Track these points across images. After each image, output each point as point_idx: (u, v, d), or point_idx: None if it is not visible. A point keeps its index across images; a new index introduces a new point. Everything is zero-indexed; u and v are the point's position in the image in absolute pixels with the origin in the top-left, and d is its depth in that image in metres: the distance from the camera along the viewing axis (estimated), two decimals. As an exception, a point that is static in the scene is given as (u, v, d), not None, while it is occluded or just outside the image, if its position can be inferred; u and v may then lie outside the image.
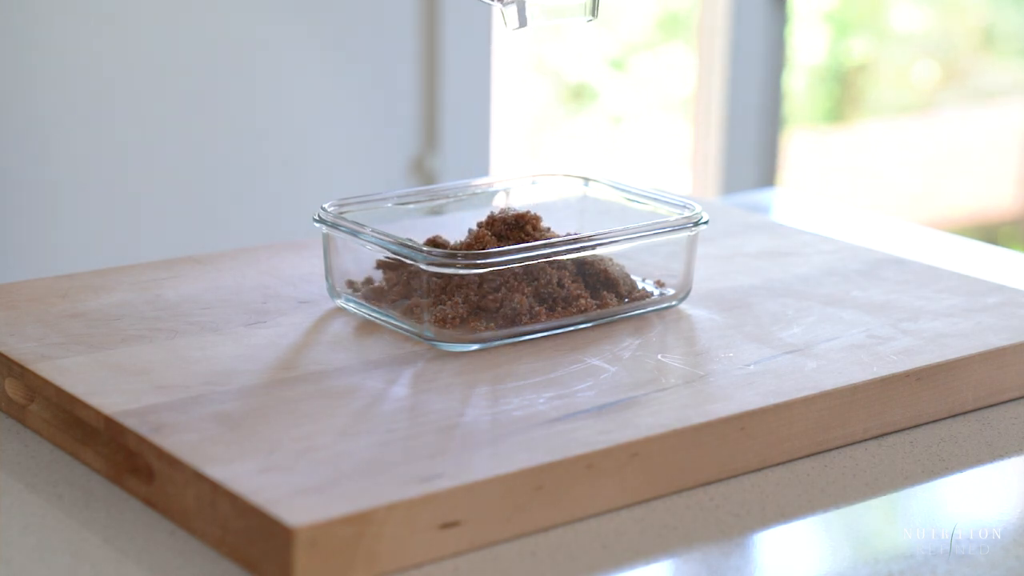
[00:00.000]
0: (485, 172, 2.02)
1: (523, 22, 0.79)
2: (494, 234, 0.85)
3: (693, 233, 0.87)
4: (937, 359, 0.81)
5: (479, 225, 0.86)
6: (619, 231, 0.85)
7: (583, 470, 0.68)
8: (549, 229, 0.88)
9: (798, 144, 2.98)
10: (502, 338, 0.81)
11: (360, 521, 0.62)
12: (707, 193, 2.29)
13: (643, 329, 0.85)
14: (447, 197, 0.94)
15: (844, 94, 3.17)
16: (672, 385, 0.76)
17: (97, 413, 0.71)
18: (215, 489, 0.65)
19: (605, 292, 0.85)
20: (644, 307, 0.87)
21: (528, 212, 0.86)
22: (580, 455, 0.68)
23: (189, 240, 1.79)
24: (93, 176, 1.73)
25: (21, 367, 0.77)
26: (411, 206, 0.93)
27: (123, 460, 0.70)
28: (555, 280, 0.84)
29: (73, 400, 0.73)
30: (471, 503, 0.65)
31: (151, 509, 0.69)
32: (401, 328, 0.82)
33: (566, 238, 0.84)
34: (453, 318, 0.80)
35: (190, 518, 0.67)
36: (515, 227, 0.85)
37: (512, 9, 0.79)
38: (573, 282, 0.84)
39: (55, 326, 0.82)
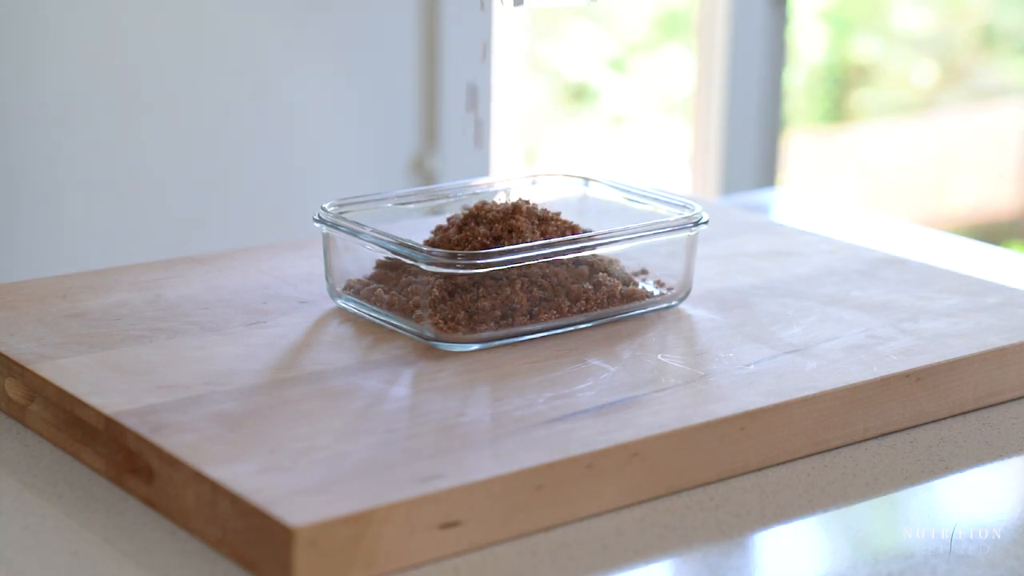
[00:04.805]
0: (485, 172, 2.02)
1: (518, 1, 0.79)
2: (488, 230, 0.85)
3: (693, 233, 0.87)
4: (937, 359, 0.81)
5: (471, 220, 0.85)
6: (619, 231, 0.85)
7: (583, 470, 0.68)
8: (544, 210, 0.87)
9: (798, 144, 2.98)
10: (502, 338, 0.81)
11: (360, 521, 0.62)
12: (707, 193, 2.29)
13: (643, 329, 0.85)
14: (447, 197, 0.94)
15: (844, 94, 3.17)
16: (672, 385, 0.76)
17: (97, 413, 0.71)
18: (215, 489, 0.65)
19: (605, 292, 0.85)
20: (644, 307, 0.87)
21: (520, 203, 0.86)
22: (580, 455, 0.68)
23: (189, 240, 1.79)
24: (93, 176, 1.73)
25: (21, 367, 0.77)
26: (411, 206, 0.93)
27: (123, 460, 0.70)
28: (555, 280, 0.84)
29: (73, 400, 0.73)
30: (471, 503, 0.65)
31: (151, 509, 0.69)
32: (401, 328, 0.82)
33: (566, 238, 0.84)
34: (453, 318, 0.80)
35: (190, 518, 0.67)
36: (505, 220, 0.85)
37: None
38: (573, 282, 0.84)
39: (55, 326, 0.82)
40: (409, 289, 0.83)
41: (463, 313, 0.81)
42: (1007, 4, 3.23)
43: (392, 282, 0.85)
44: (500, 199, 0.90)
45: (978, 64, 3.19)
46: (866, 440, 0.78)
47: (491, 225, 0.84)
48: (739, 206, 1.28)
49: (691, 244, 0.87)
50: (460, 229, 0.85)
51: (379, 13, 1.89)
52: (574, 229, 0.87)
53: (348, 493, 0.64)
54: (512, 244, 0.83)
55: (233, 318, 0.85)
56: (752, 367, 0.79)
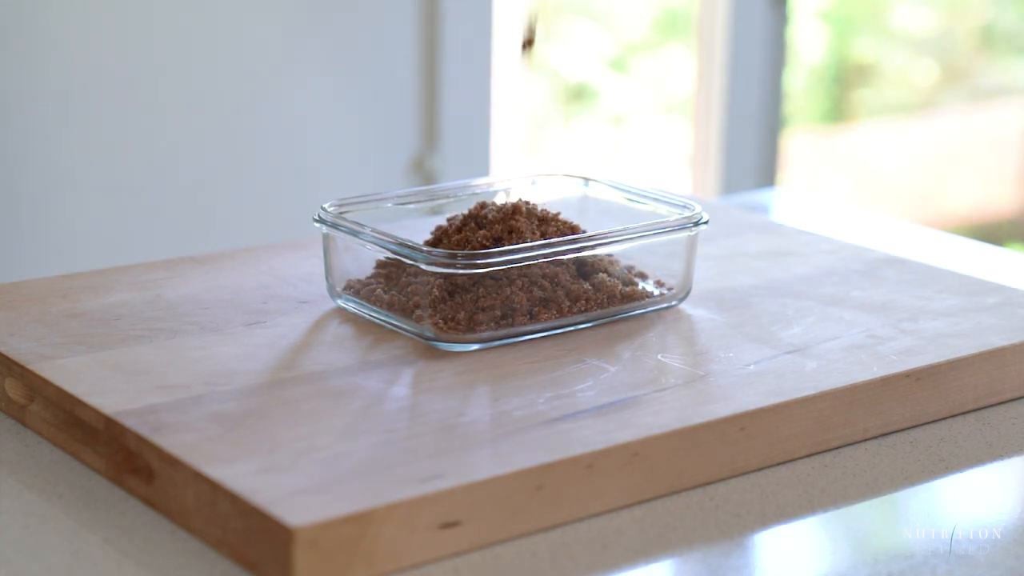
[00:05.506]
0: (485, 172, 2.02)
1: None
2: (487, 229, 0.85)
3: (693, 233, 0.87)
4: (937, 359, 0.81)
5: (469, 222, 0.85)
6: (619, 231, 0.85)
7: (583, 470, 0.68)
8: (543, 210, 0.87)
9: (798, 144, 2.98)
10: (502, 338, 0.81)
11: (360, 521, 0.62)
12: (707, 193, 2.29)
13: (643, 329, 0.85)
14: (447, 197, 0.94)
15: (844, 94, 3.17)
16: (672, 385, 0.76)
17: (97, 413, 0.71)
18: (215, 489, 0.65)
19: (605, 292, 0.85)
20: (644, 307, 0.87)
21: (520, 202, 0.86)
22: (580, 455, 0.68)
23: (189, 240, 1.79)
24: (93, 176, 1.73)
25: (21, 367, 0.77)
26: (411, 206, 0.93)
27: (123, 460, 0.70)
28: (555, 280, 0.84)
29: (73, 400, 0.73)
30: (471, 503, 0.65)
31: (151, 509, 0.69)
32: (401, 328, 0.82)
33: (566, 238, 0.84)
34: (453, 318, 0.80)
35: (190, 518, 0.67)
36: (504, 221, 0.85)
37: None
38: (573, 282, 0.84)
39: (55, 326, 0.82)
40: (409, 289, 0.83)
41: (463, 313, 0.81)
42: (1007, 4, 3.23)
43: (392, 282, 0.85)
44: (500, 199, 0.90)
45: (978, 64, 3.19)
46: (866, 440, 0.78)
47: (491, 226, 0.84)
48: (739, 206, 1.28)
49: (691, 244, 0.87)
50: (460, 230, 0.85)
51: (379, 13, 1.89)
52: (574, 229, 0.87)
53: (348, 493, 0.64)
54: (512, 245, 0.83)
55: (233, 318, 0.85)
56: (752, 367, 0.79)
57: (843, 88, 3.16)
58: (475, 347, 0.81)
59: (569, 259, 0.85)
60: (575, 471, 0.68)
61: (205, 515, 0.65)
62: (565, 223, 0.87)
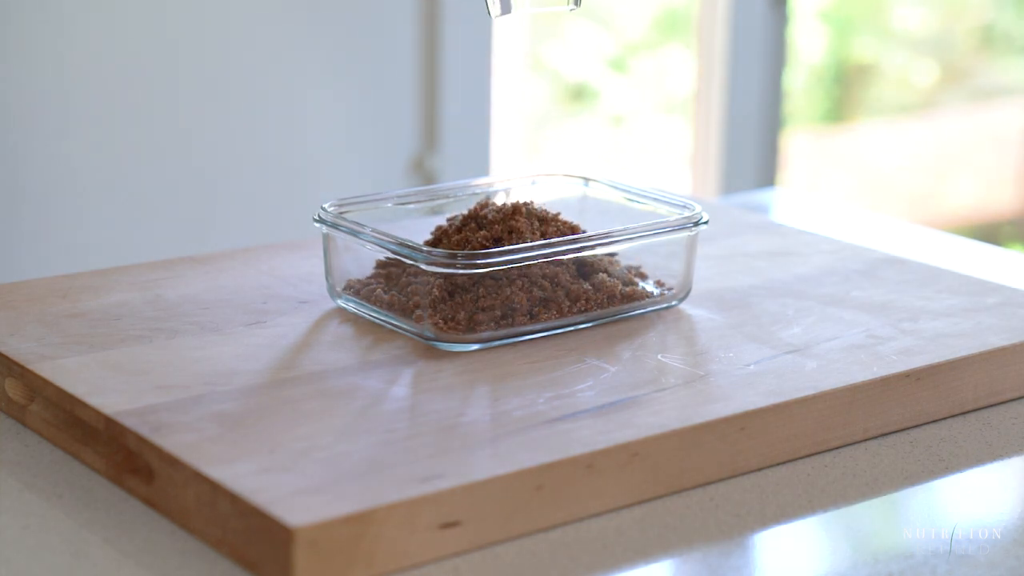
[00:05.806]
0: (485, 172, 2.02)
1: (507, 9, 0.79)
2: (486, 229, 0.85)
3: (693, 233, 0.87)
4: (937, 359, 0.81)
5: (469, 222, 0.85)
6: (619, 231, 0.85)
7: (583, 470, 0.68)
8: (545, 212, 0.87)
9: (798, 144, 2.98)
10: (502, 338, 0.81)
11: (360, 521, 0.63)
12: (707, 193, 2.29)
13: (643, 329, 0.85)
14: (447, 197, 0.94)
15: (844, 94, 3.17)
16: (672, 385, 0.76)
17: (97, 413, 0.71)
18: (215, 489, 0.65)
19: (605, 292, 0.85)
20: (644, 307, 0.87)
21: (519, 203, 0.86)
22: (580, 455, 0.68)
23: (189, 240, 1.79)
24: (93, 176, 1.73)
25: (21, 367, 0.77)
26: (411, 206, 0.93)
27: (123, 460, 0.70)
28: (555, 280, 0.84)
29: (73, 400, 0.73)
30: (471, 503, 0.65)
31: (151, 509, 0.69)
32: (401, 328, 0.82)
33: (566, 238, 0.84)
34: (453, 318, 0.80)
35: (190, 518, 0.67)
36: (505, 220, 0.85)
37: None
38: (573, 282, 0.84)
39: (55, 326, 0.82)
40: (409, 289, 0.83)
41: (463, 313, 0.81)
42: (1007, 4, 3.23)
43: (392, 282, 0.85)
44: (500, 199, 0.90)
45: (978, 64, 3.19)
46: (866, 440, 0.78)
47: (491, 226, 0.84)
48: (739, 206, 1.28)
49: (691, 244, 0.87)
50: (460, 230, 0.85)
51: (379, 13, 1.89)
52: (574, 229, 0.87)
53: (348, 493, 0.64)
54: (512, 245, 0.83)
55: (233, 318, 0.85)
56: (752, 367, 0.79)
57: (843, 88, 3.16)
58: (475, 347, 0.81)
59: (569, 259, 0.85)
60: (575, 471, 0.68)
61: (205, 515, 0.66)
62: (565, 223, 0.87)
